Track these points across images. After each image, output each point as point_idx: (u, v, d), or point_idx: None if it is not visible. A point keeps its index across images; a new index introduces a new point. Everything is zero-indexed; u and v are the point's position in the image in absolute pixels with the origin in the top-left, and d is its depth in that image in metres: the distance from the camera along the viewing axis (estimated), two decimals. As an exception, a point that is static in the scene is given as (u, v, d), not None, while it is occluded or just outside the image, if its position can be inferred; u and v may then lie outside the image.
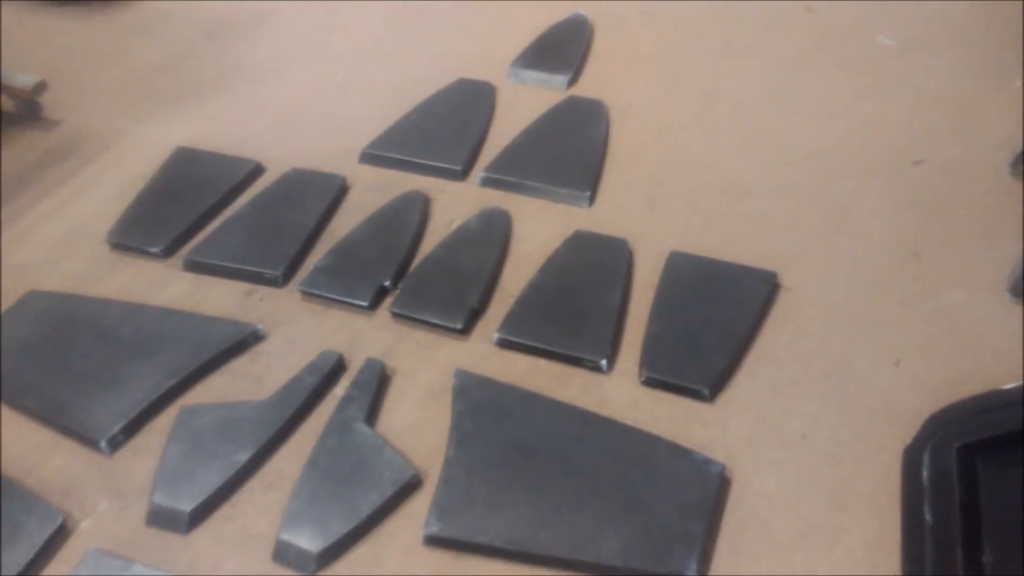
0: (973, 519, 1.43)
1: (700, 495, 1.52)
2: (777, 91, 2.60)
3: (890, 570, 1.44)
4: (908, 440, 1.61)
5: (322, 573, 1.47)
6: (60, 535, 1.53)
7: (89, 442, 1.67)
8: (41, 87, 2.51)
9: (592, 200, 2.22)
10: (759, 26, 2.93)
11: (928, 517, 1.46)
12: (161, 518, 1.54)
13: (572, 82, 2.68)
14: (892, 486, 1.56)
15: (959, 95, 2.53)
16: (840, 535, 1.49)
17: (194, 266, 2.06)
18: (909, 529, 1.48)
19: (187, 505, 1.53)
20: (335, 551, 1.48)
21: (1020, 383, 1.55)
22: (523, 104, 2.59)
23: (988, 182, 2.21)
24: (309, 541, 1.47)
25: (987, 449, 1.51)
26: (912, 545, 1.45)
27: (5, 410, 1.77)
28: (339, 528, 1.49)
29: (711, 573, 1.45)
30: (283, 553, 1.48)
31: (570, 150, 2.36)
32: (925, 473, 1.53)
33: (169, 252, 2.11)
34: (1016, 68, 2.59)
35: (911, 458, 1.58)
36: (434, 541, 1.49)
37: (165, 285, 2.04)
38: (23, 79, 2.50)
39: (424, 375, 1.80)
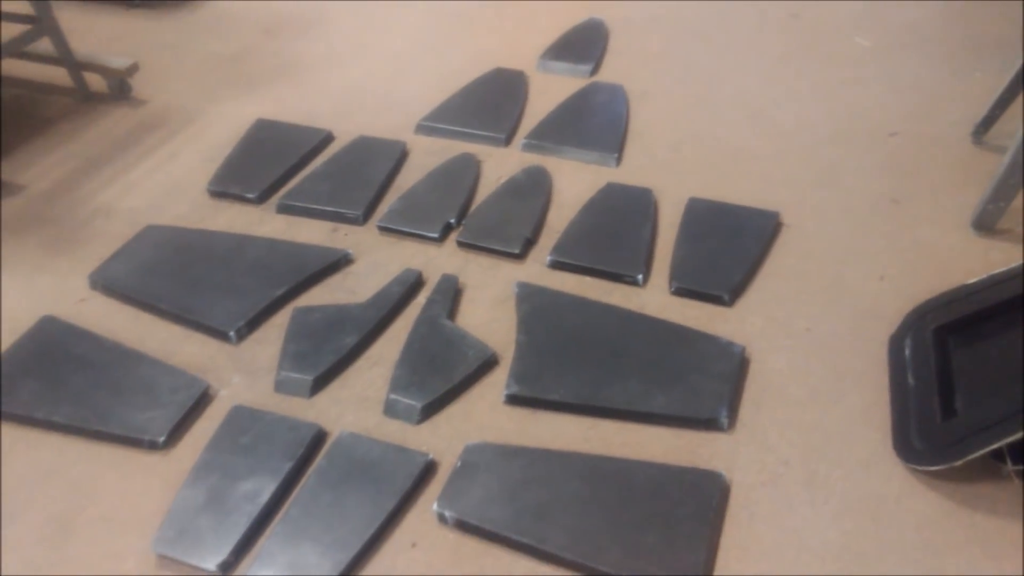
0: (947, 379, 1.80)
1: (726, 366, 1.88)
2: (771, 81, 3.02)
3: (881, 419, 1.79)
4: (892, 331, 1.98)
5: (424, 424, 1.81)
6: (204, 399, 1.86)
7: (219, 333, 2.01)
8: (134, 68, 2.87)
9: (619, 161, 2.60)
10: (751, 30, 3.36)
11: (911, 380, 1.83)
12: (288, 385, 1.87)
13: (594, 72, 3.08)
14: (880, 365, 1.92)
15: (926, 85, 2.96)
16: (841, 396, 1.85)
17: (286, 208, 2.41)
18: (896, 390, 1.84)
19: (311, 374, 1.87)
20: (435, 406, 1.82)
21: (981, 277, 1.92)
22: (552, 88, 2.98)
23: (954, 149, 2.62)
24: (414, 397, 1.81)
25: (957, 329, 1.89)
26: (899, 400, 1.81)
27: (140, 313, 2.10)
28: (436, 388, 1.83)
29: (738, 422, 1.80)
30: (393, 407, 1.82)
31: (597, 122, 2.75)
32: (907, 352, 1.91)
33: (262, 198, 2.46)
34: (974, 63, 3.03)
35: (896, 343, 1.95)
36: (514, 400, 1.84)
37: (262, 224, 2.38)
38: (118, 61, 2.86)
39: (490, 289, 2.16)
